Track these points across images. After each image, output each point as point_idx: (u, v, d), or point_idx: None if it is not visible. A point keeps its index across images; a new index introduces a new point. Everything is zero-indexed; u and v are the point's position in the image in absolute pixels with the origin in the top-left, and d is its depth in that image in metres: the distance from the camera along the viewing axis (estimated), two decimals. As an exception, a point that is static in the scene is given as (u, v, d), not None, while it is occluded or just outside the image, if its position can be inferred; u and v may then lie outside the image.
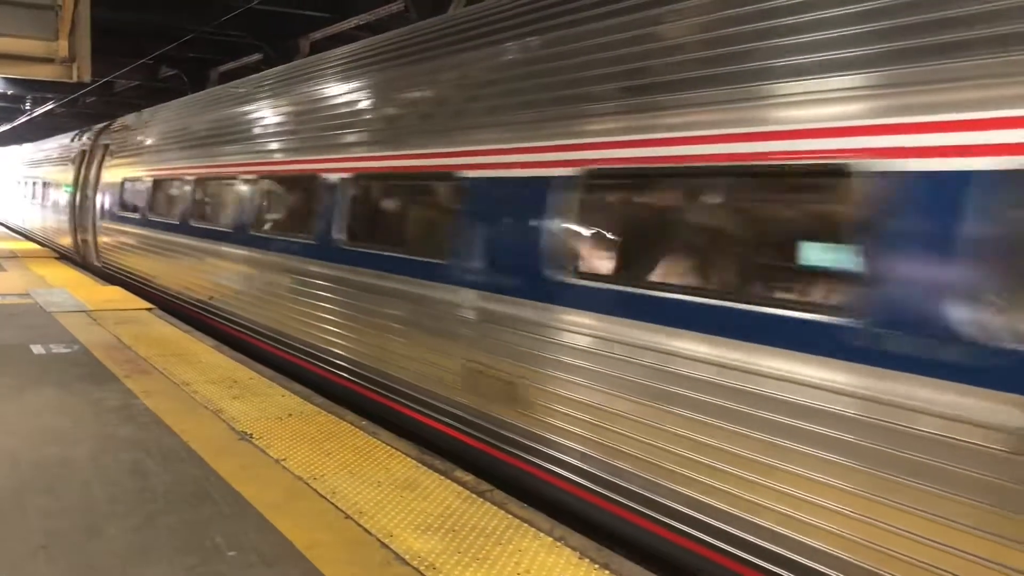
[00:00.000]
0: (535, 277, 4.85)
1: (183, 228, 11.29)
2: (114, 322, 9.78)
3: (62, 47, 9.80)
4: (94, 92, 22.95)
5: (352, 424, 5.90)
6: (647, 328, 4.17)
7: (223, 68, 18.85)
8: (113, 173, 15.06)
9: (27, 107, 27.74)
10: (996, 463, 2.85)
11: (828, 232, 3.77)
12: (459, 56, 6.07)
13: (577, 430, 4.62)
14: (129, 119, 15.90)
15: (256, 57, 16.83)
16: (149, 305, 11.29)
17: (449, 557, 3.86)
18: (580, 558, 3.89)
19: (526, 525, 4.25)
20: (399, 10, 12.47)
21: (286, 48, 15.16)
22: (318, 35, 14.97)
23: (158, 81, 20.97)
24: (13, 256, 18.03)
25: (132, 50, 17.30)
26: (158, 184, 12.79)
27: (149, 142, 13.82)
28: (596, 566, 3.82)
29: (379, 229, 7.32)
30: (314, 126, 8.05)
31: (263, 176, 9.10)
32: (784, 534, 3.54)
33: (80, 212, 17.03)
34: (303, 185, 8.29)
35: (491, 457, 5.26)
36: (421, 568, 3.74)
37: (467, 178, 5.55)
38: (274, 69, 10.41)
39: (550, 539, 4.09)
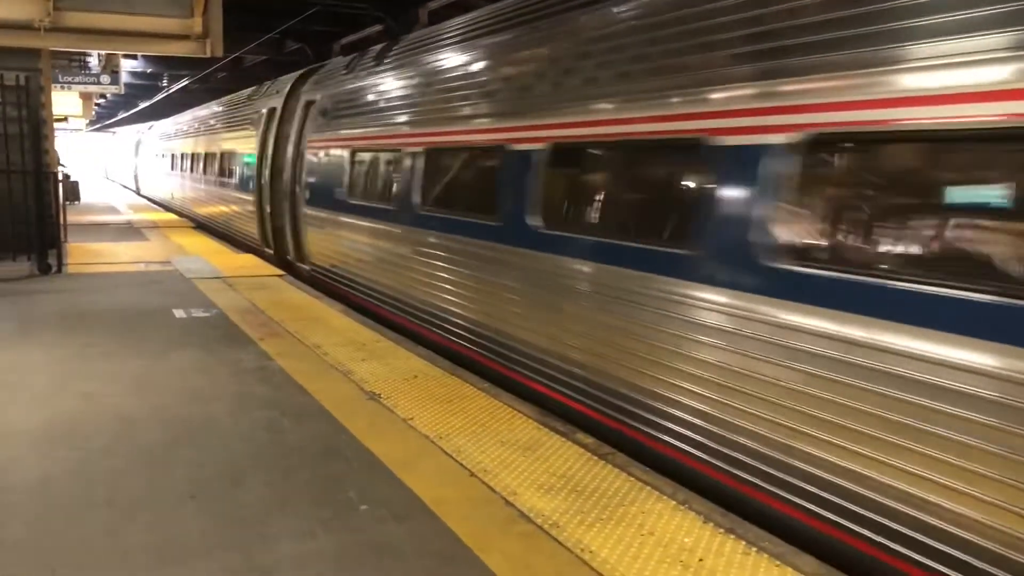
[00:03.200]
0: None
1: None
2: (248, 288, 10.26)
3: (196, 24, 10.30)
4: (224, 68, 23.88)
5: (475, 386, 6.02)
6: None
7: (345, 40, 19.29)
8: None
9: (164, 83, 29.12)
10: None
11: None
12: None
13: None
14: None
15: (377, 28, 17.12)
16: (280, 272, 11.77)
17: (572, 517, 3.91)
18: (704, 522, 3.87)
19: (648, 488, 4.25)
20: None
21: (406, 18, 15.36)
22: (435, 4, 15.10)
23: (283, 55, 21.63)
24: (155, 226, 19.09)
25: (259, 25, 17.88)
26: None
27: None
28: (721, 530, 3.79)
29: None
30: None
31: None
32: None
33: None
34: None
35: None
36: (545, 526, 3.80)
37: None
38: None
39: (673, 502, 4.08)
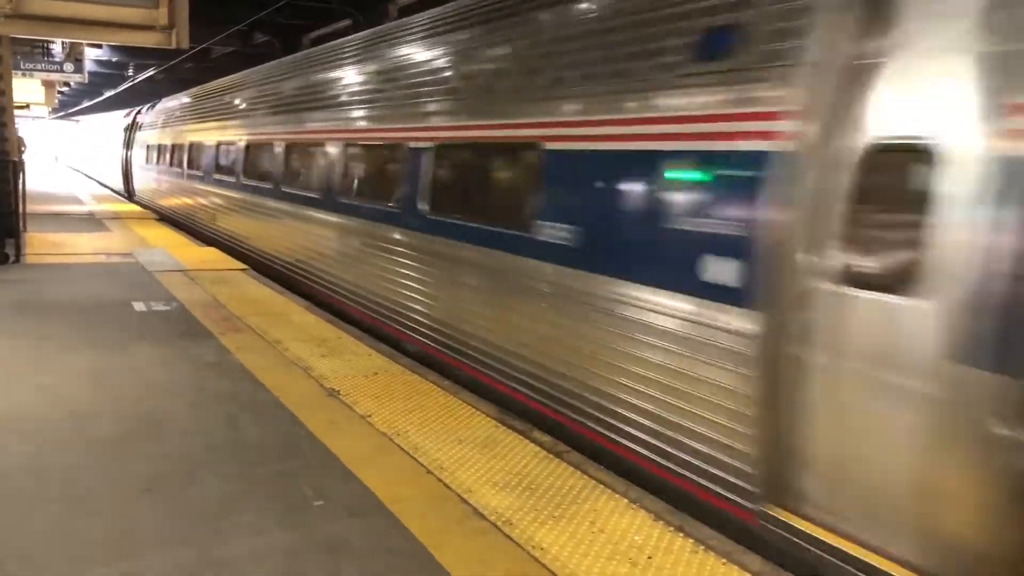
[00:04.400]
0: None
1: None
2: (210, 281, 10.19)
3: (162, 14, 10.16)
4: (191, 59, 23.63)
5: (435, 384, 6.06)
6: None
7: (314, 34, 19.18)
8: None
9: (130, 73, 28.72)
10: None
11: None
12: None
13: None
14: None
15: (346, 23, 17.05)
16: (243, 266, 11.70)
17: (526, 514, 3.97)
18: (655, 520, 3.95)
19: (602, 487, 4.32)
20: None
21: (375, 13, 15.32)
22: (404, 0, 15.07)
23: (251, 47, 21.45)
24: (117, 217, 18.85)
25: (227, 17, 17.73)
26: None
27: None
28: (671, 528, 3.87)
29: None
30: None
31: None
32: None
33: None
34: None
35: None
36: (498, 523, 3.86)
37: None
38: None
39: (625, 501, 4.16)
